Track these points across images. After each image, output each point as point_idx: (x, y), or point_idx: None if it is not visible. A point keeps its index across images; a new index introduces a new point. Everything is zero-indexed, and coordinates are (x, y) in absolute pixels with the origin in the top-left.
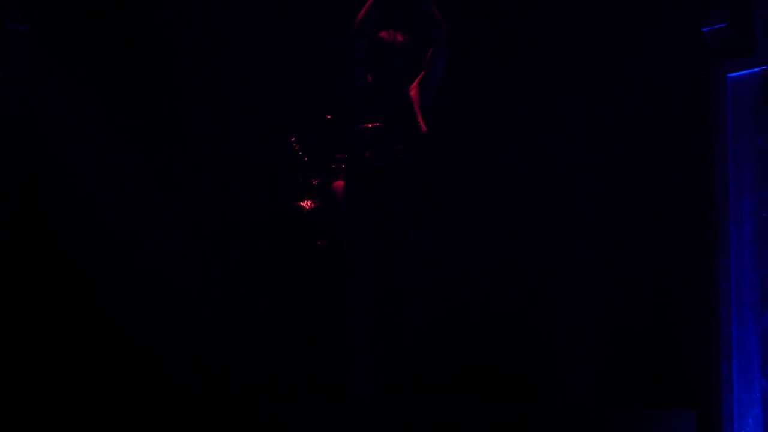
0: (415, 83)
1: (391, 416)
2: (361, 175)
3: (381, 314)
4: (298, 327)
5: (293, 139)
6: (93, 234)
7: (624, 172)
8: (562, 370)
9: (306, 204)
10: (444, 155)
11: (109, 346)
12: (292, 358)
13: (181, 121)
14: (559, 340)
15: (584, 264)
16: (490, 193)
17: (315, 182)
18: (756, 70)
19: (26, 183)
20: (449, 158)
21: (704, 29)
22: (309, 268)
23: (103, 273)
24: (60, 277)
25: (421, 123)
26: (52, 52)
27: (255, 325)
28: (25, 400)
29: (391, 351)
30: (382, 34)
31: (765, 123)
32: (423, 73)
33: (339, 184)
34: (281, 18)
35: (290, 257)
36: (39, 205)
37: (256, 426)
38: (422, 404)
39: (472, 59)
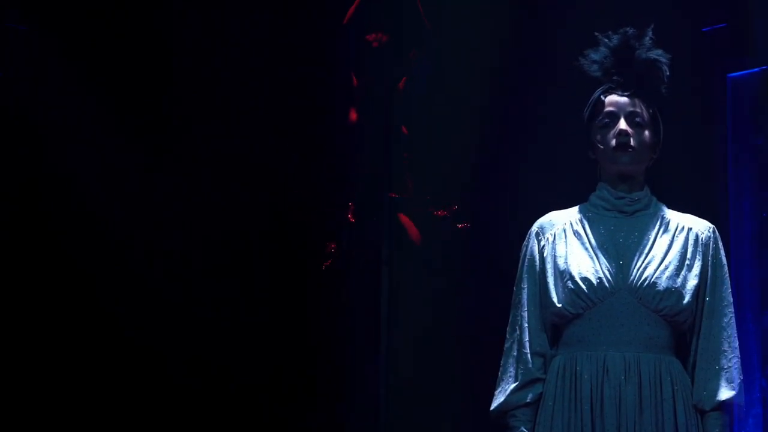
0: None
1: None
2: None
3: None
4: (299, 327)
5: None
6: (93, 234)
7: None
8: None
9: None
10: None
11: (109, 346)
12: (292, 358)
13: (181, 121)
14: None
15: None
16: None
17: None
18: (756, 70)
19: (26, 183)
20: None
21: (704, 29)
22: (310, 268)
23: (103, 273)
24: (60, 277)
25: None
26: (52, 52)
27: (255, 325)
28: (25, 400)
29: None
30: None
31: (765, 123)
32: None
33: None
34: (281, 18)
35: (291, 258)
36: (39, 205)
37: (256, 426)
38: None
39: None
